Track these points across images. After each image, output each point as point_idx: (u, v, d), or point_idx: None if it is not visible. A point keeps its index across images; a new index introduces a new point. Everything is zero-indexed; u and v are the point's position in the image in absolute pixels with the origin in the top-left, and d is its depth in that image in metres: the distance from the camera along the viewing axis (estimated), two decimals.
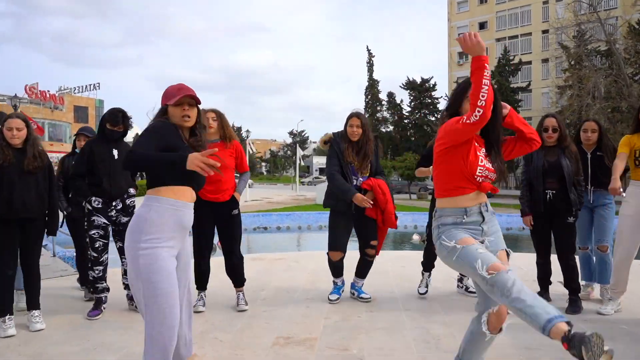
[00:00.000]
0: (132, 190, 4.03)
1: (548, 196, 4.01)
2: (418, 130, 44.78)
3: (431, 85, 45.05)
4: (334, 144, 4.18)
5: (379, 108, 48.73)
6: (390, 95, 46.50)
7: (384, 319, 3.84)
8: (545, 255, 4.23)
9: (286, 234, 13.56)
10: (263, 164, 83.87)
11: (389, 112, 47.35)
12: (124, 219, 3.94)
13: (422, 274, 4.59)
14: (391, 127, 46.55)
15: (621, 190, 3.66)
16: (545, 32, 39.99)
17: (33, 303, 3.63)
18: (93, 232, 3.92)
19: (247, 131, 35.61)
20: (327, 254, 4.24)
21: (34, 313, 3.60)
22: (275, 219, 14.56)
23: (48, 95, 50.33)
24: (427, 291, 4.51)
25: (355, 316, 3.91)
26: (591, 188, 4.26)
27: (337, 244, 4.18)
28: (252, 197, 29.08)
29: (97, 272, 3.94)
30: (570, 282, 4.04)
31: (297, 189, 36.21)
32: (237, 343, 3.30)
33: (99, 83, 54.25)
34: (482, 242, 2.27)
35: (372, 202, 4.03)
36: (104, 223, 3.93)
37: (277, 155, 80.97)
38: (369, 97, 48.66)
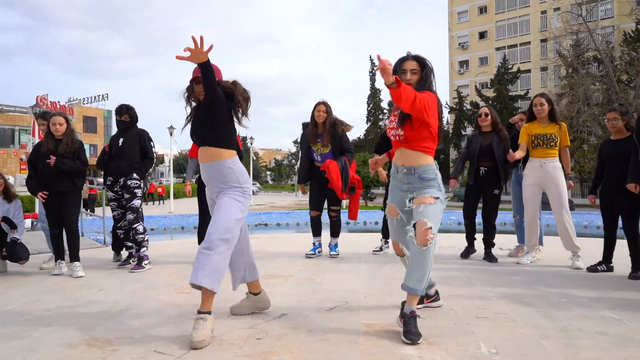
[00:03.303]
0: (134, 175, 5.00)
1: (481, 172, 5.09)
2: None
3: None
4: (304, 130, 5.42)
5: (381, 117, 49.86)
6: (392, 104, 47.62)
7: (346, 265, 4.93)
8: (471, 216, 5.35)
9: (285, 230, 14.63)
10: (268, 172, 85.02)
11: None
12: (126, 195, 4.99)
13: (380, 240, 5.75)
14: None
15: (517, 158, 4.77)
16: (543, 41, 40.97)
17: (74, 256, 4.70)
18: (111, 204, 5.09)
19: (251, 138, 36.71)
20: (309, 213, 5.54)
21: (76, 264, 4.67)
22: (275, 217, 15.64)
23: (58, 106, 51.85)
24: (379, 251, 5.76)
25: (325, 264, 5.01)
26: (521, 166, 5.31)
27: (314, 205, 5.47)
28: (256, 202, 30.21)
29: (120, 234, 5.06)
30: (487, 238, 5.13)
31: (299, 195, 37.27)
32: None
33: (107, 94, 55.80)
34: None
35: None
36: (114, 196, 5.07)
37: (282, 164, 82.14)
38: (371, 106, 49.82)
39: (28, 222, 8.63)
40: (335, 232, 5.53)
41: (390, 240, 5.71)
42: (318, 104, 5.31)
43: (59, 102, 52.24)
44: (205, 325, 2.58)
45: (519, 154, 4.82)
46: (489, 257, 5.08)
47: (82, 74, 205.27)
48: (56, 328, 2.90)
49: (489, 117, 5.11)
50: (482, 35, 47.96)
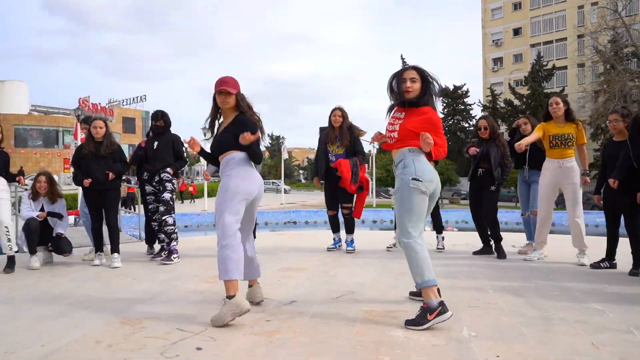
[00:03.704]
0: (168, 169, 5.47)
1: (479, 172, 5.38)
2: (452, 136, 45.45)
3: (464, 92, 45.80)
4: (322, 133, 5.81)
5: None
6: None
7: (361, 261, 5.25)
8: (476, 215, 5.62)
9: (313, 228, 15.00)
10: (301, 171, 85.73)
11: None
12: (161, 188, 5.45)
13: (394, 238, 6.04)
14: None
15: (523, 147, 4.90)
16: (580, 36, 40.10)
17: (114, 249, 5.18)
18: (147, 197, 5.55)
19: (282, 137, 37.43)
20: (327, 212, 6.02)
21: (115, 256, 5.14)
22: (304, 215, 16.04)
23: (99, 108, 53.78)
24: (393, 247, 6.05)
25: (341, 259, 5.35)
26: (527, 167, 5.54)
27: (331, 205, 5.94)
28: (287, 200, 30.71)
29: (154, 226, 5.52)
30: (495, 234, 5.34)
31: None
32: None
33: (145, 95, 57.68)
34: None
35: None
36: (152, 190, 5.50)
37: None
38: None
39: (71, 219, 9.27)
40: (349, 228, 5.85)
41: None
42: (334, 109, 5.69)
43: (99, 103, 54.16)
44: (223, 308, 2.94)
45: (528, 140, 4.98)
46: (499, 252, 5.31)
47: (122, 76, 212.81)
48: (95, 309, 3.34)
49: (487, 130, 5.41)
50: (516, 31, 47.22)
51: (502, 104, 41.84)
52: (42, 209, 5.34)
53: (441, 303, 2.91)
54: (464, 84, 45.76)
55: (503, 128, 42.85)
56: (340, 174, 5.55)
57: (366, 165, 5.91)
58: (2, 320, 3.10)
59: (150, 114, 5.73)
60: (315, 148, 6.40)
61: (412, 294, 3.60)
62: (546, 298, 3.55)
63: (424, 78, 3.17)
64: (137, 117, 56.48)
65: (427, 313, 2.87)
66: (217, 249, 3.04)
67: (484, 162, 5.38)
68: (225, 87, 3.19)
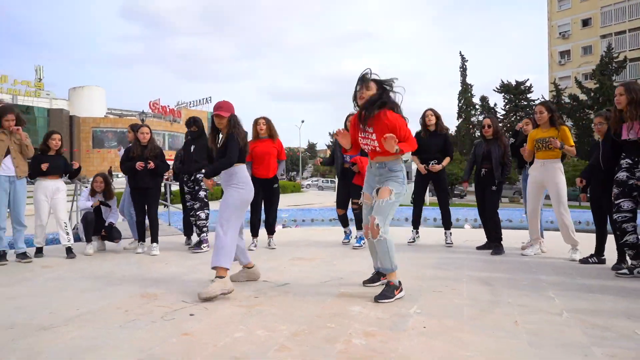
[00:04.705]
0: (203, 170, 6.17)
1: (482, 172, 5.74)
2: (514, 133, 44.21)
3: (527, 88, 44.38)
4: (337, 141, 6.26)
5: (473, 112, 48.75)
6: (484, 99, 46.45)
7: (366, 252, 5.71)
8: (482, 212, 5.96)
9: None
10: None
11: (483, 115, 47.29)
12: (196, 187, 6.21)
13: (412, 232, 6.47)
14: None
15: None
16: None
17: (154, 239, 6.02)
18: (185, 196, 6.33)
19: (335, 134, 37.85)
20: (336, 210, 6.54)
21: (154, 245, 5.97)
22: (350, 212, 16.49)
23: (168, 110, 56.77)
24: (413, 242, 6.47)
25: (350, 251, 5.90)
26: (529, 166, 5.83)
27: (341, 204, 6.44)
28: None
29: (192, 221, 6.32)
30: (495, 233, 5.66)
31: None
32: (269, 257, 5.41)
33: (210, 97, 60.03)
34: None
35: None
36: (189, 190, 6.26)
37: None
38: (462, 101, 48.89)
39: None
40: (359, 224, 6.33)
41: (418, 230, 6.49)
42: (350, 116, 6.11)
43: (168, 106, 57.23)
44: (214, 284, 3.59)
45: (528, 158, 5.46)
46: (495, 250, 5.61)
47: (193, 78, 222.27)
48: (125, 286, 4.10)
49: (491, 128, 5.76)
50: (585, 22, 45.18)
51: (567, 99, 40.22)
52: None
53: (400, 282, 3.56)
54: (527, 79, 44.36)
55: (569, 123, 41.37)
56: (360, 169, 6.00)
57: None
58: (52, 292, 3.93)
59: (185, 121, 6.49)
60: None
61: (366, 282, 4.04)
62: (511, 287, 3.93)
63: (380, 84, 3.60)
64: (203, 118, 58.49)
65: (394, 289, 3.50)
66: (223, 238, 3.68)
67: (486, 162, 5.74)
68: (219, 112, 3.86)
